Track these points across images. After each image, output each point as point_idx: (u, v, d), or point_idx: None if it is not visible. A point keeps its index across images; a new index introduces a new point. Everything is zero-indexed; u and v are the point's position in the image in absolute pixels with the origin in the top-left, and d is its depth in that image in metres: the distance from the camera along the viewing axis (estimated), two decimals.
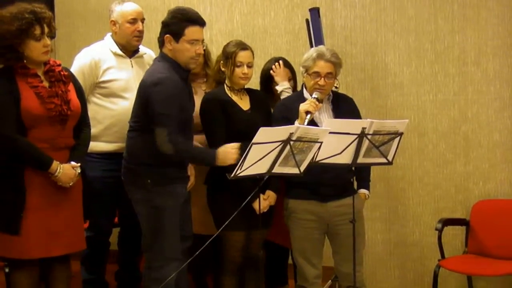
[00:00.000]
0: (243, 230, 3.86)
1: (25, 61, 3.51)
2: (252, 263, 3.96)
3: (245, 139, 3.52)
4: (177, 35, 3.67)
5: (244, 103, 3.95)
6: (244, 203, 3.53)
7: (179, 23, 3.67)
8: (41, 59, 3.54)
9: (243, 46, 3.90)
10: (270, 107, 4.05)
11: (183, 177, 3.84)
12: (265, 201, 3.81)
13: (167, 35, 3.69)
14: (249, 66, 3.88)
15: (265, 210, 3.80)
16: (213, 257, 4.26)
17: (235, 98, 3.92)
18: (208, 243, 3.61)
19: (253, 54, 3.94)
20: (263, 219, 3.74)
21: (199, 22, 3.71)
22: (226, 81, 3.94)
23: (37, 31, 3.47)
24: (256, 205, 3.68)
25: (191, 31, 3.67)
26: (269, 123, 3.75)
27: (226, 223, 3.56)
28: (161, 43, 3.76)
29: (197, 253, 3.60)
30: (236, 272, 3.99)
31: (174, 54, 3.71)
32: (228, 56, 3.87)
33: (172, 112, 3.60)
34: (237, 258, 3.94)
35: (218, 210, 3.92)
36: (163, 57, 3.76)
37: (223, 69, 3.92)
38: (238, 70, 3.85)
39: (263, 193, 3.81)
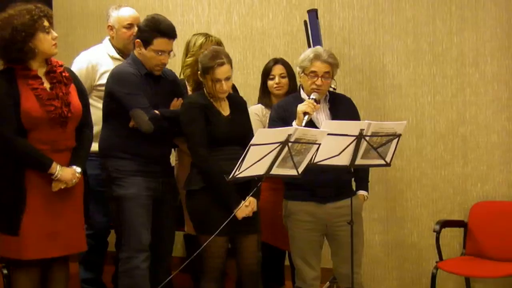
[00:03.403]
0: (225, 235, 3.67)
1: (31, 61, 3.50)
2: (250, 278, 3.85)
3: (226, 144, 3.59)
4: (146, 43, 3.80)
5: (224, 109, 3.86)
6: (232, 215, 3.54)
7: (150, 32, 3.79)
8: (52, 51, 3.57)
9: (220, 61, 3.70)
10: (248, 111, 4.01)
11: (148, 171, 3.85)
12: (247, 208, 3.72)
13: (138, 40, 3.83)
14: (228, 78, 3.76)
15: (249, 215, 3.73)
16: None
17: (215, 103, 3.83)
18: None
19: (231, 65, 3.76)
20: (249, 224, 3.72)
21: (169, 35, 3.81)
22: (205, 88, 3.83)
23: (46, 23, 3.52)
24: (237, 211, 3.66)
25: (159, 42, 3.78)
26: (249, 127, 3.84)
27: (219, 230, 3.47)
28: (133, 44, 3.92)
29: (195, 254, 3.58)
30: (219, 279, 3.83)
31: (142, 58, 3.85)
32: (205, 71, 3.74)
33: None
34: (220, 264, 3.80)
35: (197, 213, 3.82)
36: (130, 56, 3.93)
37: (201, 78, 3.81)
38: (218, 86, 3.74)
39: (244, 199, 3.66)
